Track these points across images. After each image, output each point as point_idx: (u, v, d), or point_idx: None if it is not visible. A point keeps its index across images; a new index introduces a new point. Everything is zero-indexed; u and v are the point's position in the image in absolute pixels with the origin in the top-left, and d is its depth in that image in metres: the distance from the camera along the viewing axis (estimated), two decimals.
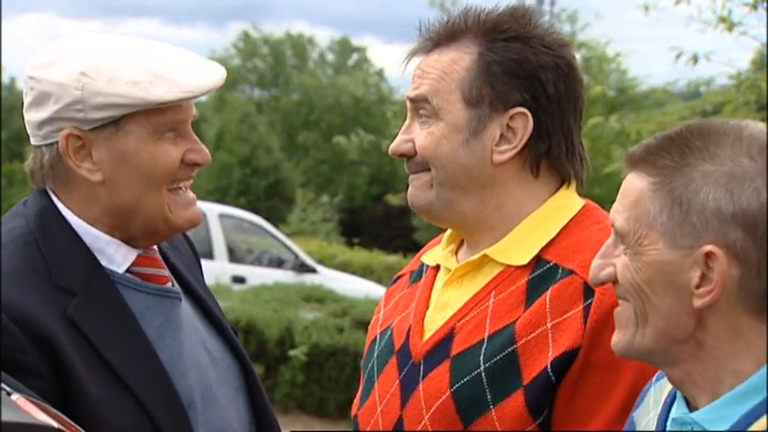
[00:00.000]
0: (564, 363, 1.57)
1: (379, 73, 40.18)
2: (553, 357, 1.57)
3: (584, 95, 1.74)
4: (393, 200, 14.43)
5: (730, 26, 7.24)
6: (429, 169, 1.70)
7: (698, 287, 1.30)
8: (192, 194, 1.75)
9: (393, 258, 18.15)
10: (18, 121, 34.76)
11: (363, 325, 8.25)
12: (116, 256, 1.72)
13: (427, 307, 1.75)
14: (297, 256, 12.05)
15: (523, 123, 1.67)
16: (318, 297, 9.81)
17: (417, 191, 1.73)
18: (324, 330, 8.35)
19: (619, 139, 10.59)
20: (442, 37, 1.71)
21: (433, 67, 1.69)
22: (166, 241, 1.85)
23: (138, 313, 1.69)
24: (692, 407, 1.37)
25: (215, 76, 1.68)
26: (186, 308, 1.79)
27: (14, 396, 1.24)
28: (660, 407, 1.45)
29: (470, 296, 1.69)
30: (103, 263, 1.70)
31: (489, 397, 1.59)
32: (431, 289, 1.78)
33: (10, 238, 1.68)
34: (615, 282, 1.38)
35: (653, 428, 1.43)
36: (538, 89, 1.66)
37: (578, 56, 12.57)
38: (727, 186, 1.29)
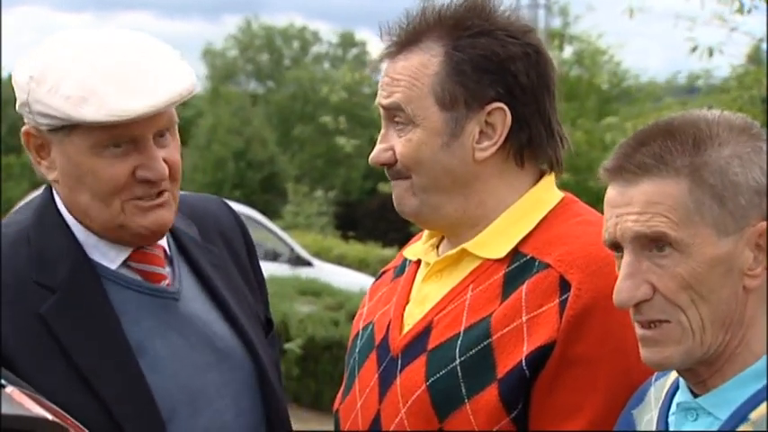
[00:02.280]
0: (539, 357, 1.56)
1: (378, 67, 40.03)
2: (528, 352, 1.56)
3: (555, 76, 1.72)
4: (385, 187, 14.41)
5: (723, 20, 7.24)
6: (409, 176, 1.69)
7: (750, 269, 1.32)
8: (160, 198, 1.66)
9: (388, 251, 18.14)
10: (14, 115, 34.60)
11: None
12: (109, 252, 1.70)
13: (407, 301, 1.75)
14: (292, 250, 12.04)
15: (501, 118, 1.66)
16: (314, 290, 9.82)
17: (401, 199, 1.72)
18: (319, 324, 8.35)
19: (611, 130, 10.59)
20: (406, 40, 1.69)
21: (401, 73, 1.67)
22: (199, 233, 1.82)
23: (125, 312, 1.67)
24: (695, 393, 1.37)
25: (158, 98, 1.57)
26: (189, 307, 1.74)
27: (9, 389, 1.25)
28: (661, 401, 1.44)
29: (448, 290, 1.69)
30: (97, 258, 1.69)
31: (464, 390, 1.58)
32: (412, 283, 1.78)
33: (5, 232, 1.68)
34: (646, 301, 1.33)
35: (654, 424, 1.42)
36: (511, 81, 1.65)
37: (570, 49, 12.56)
38: (753, 162, 1.32)
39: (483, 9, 1.69)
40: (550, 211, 1.69)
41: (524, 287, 1.60)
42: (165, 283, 1.74)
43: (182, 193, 1.79)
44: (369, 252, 17.69)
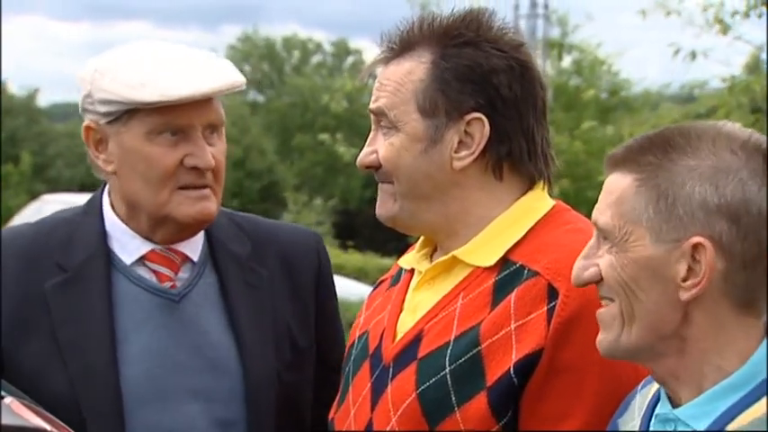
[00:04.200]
0: (527, 365, 1.56)
1: (373, 75, 40.17)
2: (516, 359, 1.56)
3: (545, 94, 1.74)
4: None
5: (724, 29, 7.28)
6: (391, 182, 1.72)
7: (684, 280, 1.32)
8: (204, 191, 1.78)
9: (387, 261, 18.14)
10: (12, 123, 34.82)
11: None
12: (129, 246, 1.81)
13: (401, 310, 1.76)
14: None
15: (480, 128, 1.67)
16: None
17: (382, 203, 1.75)
18: None
19: (612, 142, 10.63)
20: (400, 47, 1.72)
21: (389, 79, 1.71)
22: (251, 252, 1.90)
23: (123, 303, 1.77)
24: (675, 404, 1.38)
25: (206, 83, 1.73)
26: (190, 311, 1.81)
27: (8, 399, 1.25)
28: (643, 411, 1.45)
29: (440, 298, 1.69)
30: (117, 250, 1.81)
31: (454, 399, 1.59)
32: (405, 292, 1.79)
33: (58, 216, 1.88)
34: (599, 282, 1.39)
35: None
36: (492, 93, 1.67)
37: (569, 58, 12.59)
38: (712, 179, 1.31)
39: (474, 21, 1.71)
40: (541, 219, 1.70)
41: (513, 295, 1.61)
42: (169, 284, 1.81)
43: (270, 220, 2.01)
44: (367, 261, 17.70)
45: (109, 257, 1.80)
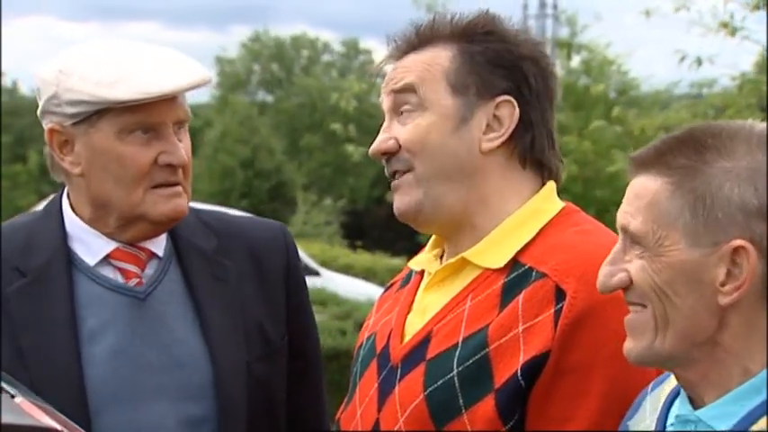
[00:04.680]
0: (534, 367, 1.55)
1: (382, 75, 40.15)
2: (523, 362, 1.56)
3: (558, 91, 1.74)
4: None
5: (732, 31, 7.25)
6: (411, 168, 1.68)
7: (723, 284, 1.30)
8: (176, 189, 1.77)
9: (396, 261, 18.14)
10: (20, 124, 34.93)
11: None
12: (93, 246, 1.79)
13: (409, 311, 1.75)
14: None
15: (509, 111, 1.66)
16: (321, 300, 9.82)
17: (403, 194, 1.70)
18: (327, 333, 8.35)
19: (620, 141, 10.61)
20: (415, 42, 1.71)
21: (413, 62, 1.69)
22: (217, 246, 1.88)
23: (86, 304, 1.76)
24: (696, 405, 1.36)
25: (182, 79, 1.72)
26: (156, 309, 1.79)
27: (18, 399, 1.25)
28: (658, 411, 1.44)
29: (448, 299, 1.69)
30: (80, 252, 1.79)
31: (461, 401, 1.58)
32: (415, 293, 1.78)
33: (16, 221, 1.86)
34: (627, 288, 1.36)
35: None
36: (521, 79, 1.67)
37: (578, 58, 12.57)
38: (750, 181, 1.29)
39: (494, 18, 1.72)
40: (550, 221, 1.69)
41: (521, 297, 1.60)
42: (135, 281, 1.80)
43: (230, 212, 2.00)
44: (376, 261, 17.69)
45: (69, 259, 1.78)
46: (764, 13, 6.84)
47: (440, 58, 1.67)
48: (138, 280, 1.80)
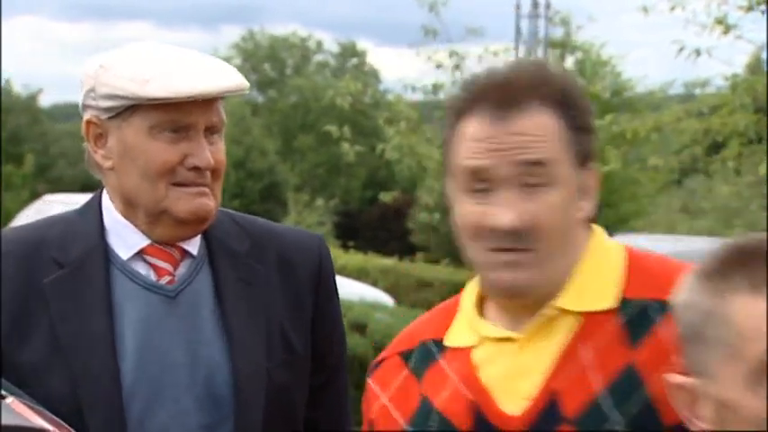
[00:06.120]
0: None
1: (375, 75, 40.21)
2: None
3: None
4: (386, 197, 14.40)
5: (726, 28, 7.27)
6: (533, 248, 1.57)
7: None
8: (202, 188, 1.78)
9: (388, 261, 18.17)
10: (14, 122, 34.66)
11: (358, 328, 8.26)
12: (128, 241, 1.81)
13: (481, 382, 1.63)
14: None
15: (594, 176, 1.64)
16: None
17: (520, 272, 1.58)
18: None
19: (614, 141, 10.61)
20: (507, 101, 1.59)
21: (527, 128, 1.58)
22: (249, 249, 1.89)
23: (121, 301, 1.78)
24: None
25: (213, 84, 1.75)
26: (185, 308, 1.81)
27: (9, 399, 1.24)
28: None
29: (555, 354, 1.58)
30: (115, 246, 1.82)
31: None
32: (470, 363, 1.65)
33: (55, 215, 1.89)
34: None
35: None
36: (594, 142, 1.65)
37: (572, 59, 12.59)
38: None
39: (575, 79, 1.70)
40: (627, 254, 1.65)
41: (658, 329, 1.53)
42: (167, 279, 1.81)
43: (276, 223, 2.01)
44: (368, 261, 17.69)
45: (107, 252, 1.80)
46: (758, 13, 6.86)
47: (552, 126, 1.58)
48: (170, 278, 1.82)
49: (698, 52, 7.54)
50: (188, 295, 1.82)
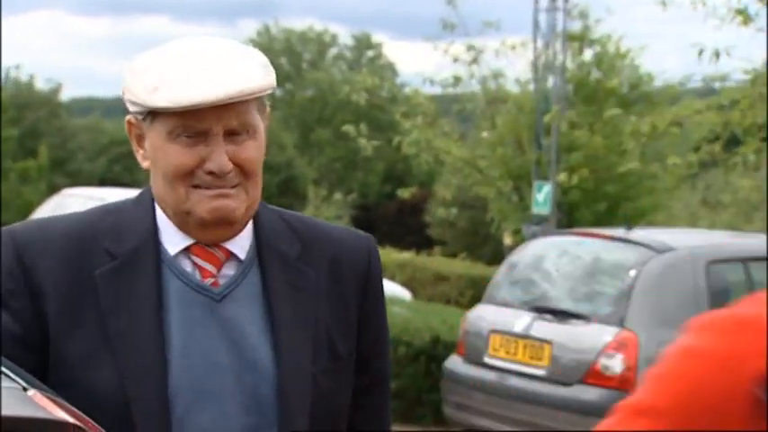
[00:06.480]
0: None
1: (392, 68, 40.17)
2: None
3: None
4: (404, 193, 14.38)
5: (746, 19, 7.21)
6: None
7: None
8: (222, 190, 1.77)
9: (406, 255, 18.16)
10: (31, 117, 34.65)
11: None
12: (174, 238, 1.82)
13: None
14: None
15: None
16: None
17: None
18: None
19: (633, 135, 10.54)
20: None
21: None
22: (300, 253, 1.88)
23: (168, 298, 1.78)
24: None
25: (213, 91, 1.72)
26: (230, 310, 1.81)
27: (31, 392, 1.25)
28: None
29: None
30: (165, 242, 1.82)
31: None
32: None
33: (108, 204, 1.89)
34: None
35: None
36: None
37: (590, 52, 12.50)
38: None
39: None
40: None
41: None
42: (211, 281, 1.81)
43: (323, 221, 2.00)
44: (386, 255, 17.68)
45: (157, 247, 1.80)
46: None
47: None
48: (213, 280, 1.81)
49: (717, 54, 7.50)
50: (234, 298, 1.81)
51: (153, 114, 1.76)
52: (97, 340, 1.73)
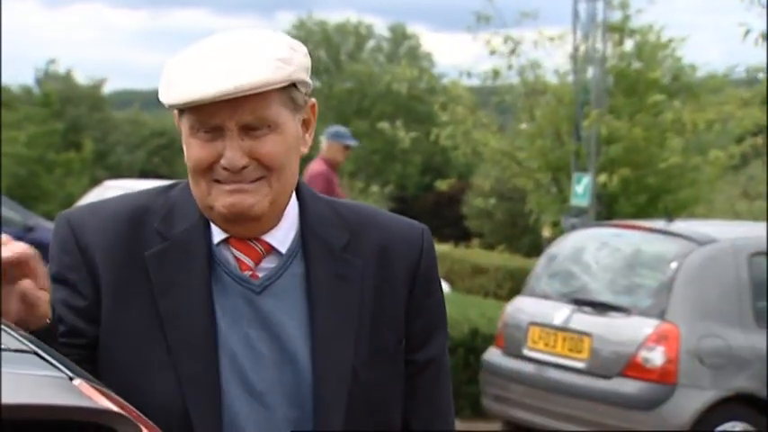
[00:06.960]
0: None
1: (429, 60, 40.07)
2: None
3: None
4: (442, 185, 14.34)
5: None
6: None
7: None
8: (239, 185, 1.76)
9: (444, 247, 18.12)
10: (73, 112, 35.03)
11: None
12: (216, 229, 1.84)
13: None
14: None
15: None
16: None
17: None
18: None
19: (674, 127, 10.43)
20: None
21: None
22: (347, 243, 1.87)
23: (214, 285, 1.79)
24: None
25: (211, 88, 1.70)
26: (269, 303, 1.81)
27: (76, 381, 1.27)
28: None
29: None
30: (212, 228, 1.84)
31: None
32: None
33: (158, 187, 1.91)
34: None
35: None
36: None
37: (631, 42, 12.37)
38: None
39: None
40: None
41: None
42: (249, 273, 1.82)
43: (376, 209, 2.00)
44: None
45: (206, 232, 1.82)
46: None
47: None
48: (250, 272, 1.82)
49: (765, 35, 7.38)
50: (274, 291, 1.82)
51: (180, 110, 1.79)
52: (148, 321, 1.76)
